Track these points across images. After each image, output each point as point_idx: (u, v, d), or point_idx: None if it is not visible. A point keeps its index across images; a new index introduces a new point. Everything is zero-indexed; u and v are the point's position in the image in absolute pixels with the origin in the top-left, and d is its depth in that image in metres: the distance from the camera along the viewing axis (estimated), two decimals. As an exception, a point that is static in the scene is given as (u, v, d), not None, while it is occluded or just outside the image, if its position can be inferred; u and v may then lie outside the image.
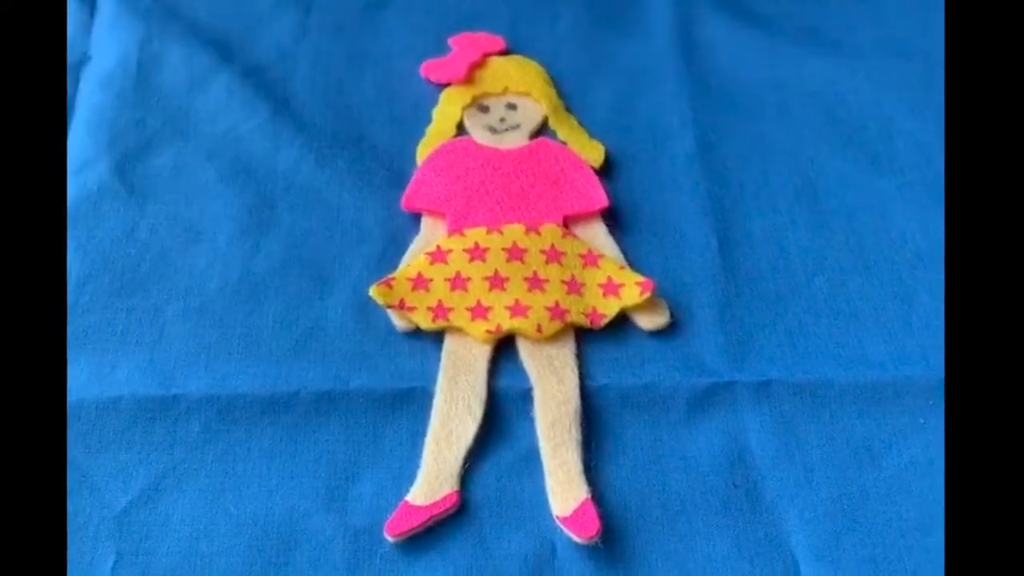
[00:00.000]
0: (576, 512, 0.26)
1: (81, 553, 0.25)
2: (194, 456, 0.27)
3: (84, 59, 0.35)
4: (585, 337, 0.29)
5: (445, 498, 0.26)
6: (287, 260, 0.31)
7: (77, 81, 0.34)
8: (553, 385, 0.28)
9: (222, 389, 0.28)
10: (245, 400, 0.28)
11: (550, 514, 0.26)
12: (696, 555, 0.26)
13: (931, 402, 0.29)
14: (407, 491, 0.26)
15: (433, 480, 0.27)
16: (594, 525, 0.26)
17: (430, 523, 0.26)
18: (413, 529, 0.26)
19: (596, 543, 0.26)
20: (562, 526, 0.26)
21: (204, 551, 0.26)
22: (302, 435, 0.27)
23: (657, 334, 0.30)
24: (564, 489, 0.26)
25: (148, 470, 0.27)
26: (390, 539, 0.26)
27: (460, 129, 0.34)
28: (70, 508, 0.26)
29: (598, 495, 0.27)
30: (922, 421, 0.28)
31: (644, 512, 0.27)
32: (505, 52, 0.36)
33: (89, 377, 0.28)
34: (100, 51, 0.35)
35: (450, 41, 0.36)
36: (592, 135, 0.34)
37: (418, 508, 0.26)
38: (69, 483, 0.26)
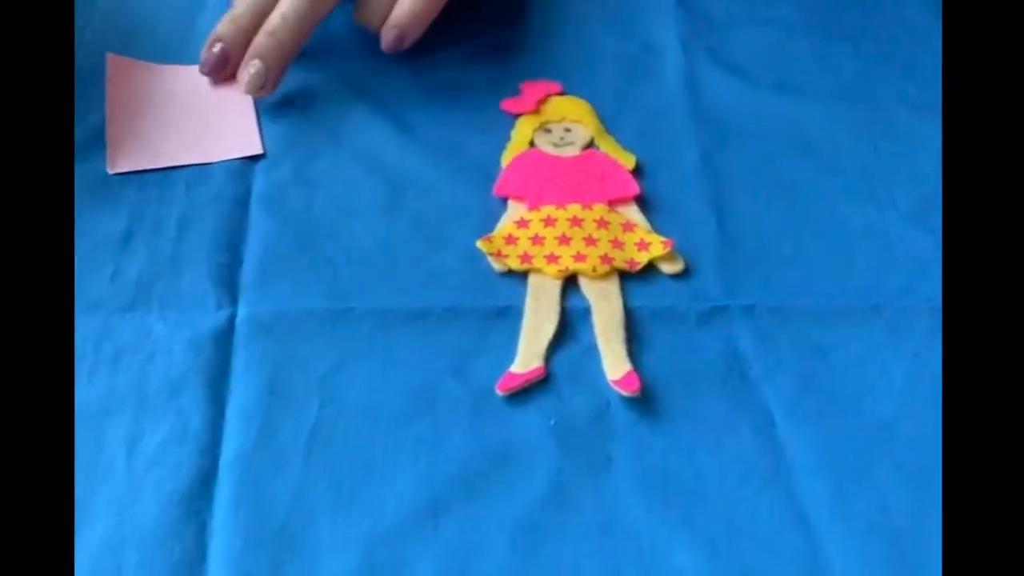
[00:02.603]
0: (624, 377, 0.39)
1: (295, 402, 0.38)
2: (364, 346, 0.39)
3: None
4: (626, 277, 0.43)
5: (536, 369, 0.39)
6: (415, 228, 0.44)
7: (260, 110, 0.48)
8: (604, 305, 0.41)
9: (379, 305, 0.40)
10: (395, 312, 0.40)
11: (606, 382, 0.39)
12: (705, 411, 0.38)
13: (863, 320, 0.41)
14: (509, 366, 0.39)
15: (527, 359, 0.39)
16: (636, 383, 0.38)
17: (526, 385, 0.38)
18: (515, 388, 0.38)
19: (637, 396, 0.38)
20: (614, 387, 0.38)
21: (377, 401, 0.38)
22: (435, 335, 0.40)
23: (675, 276, 0.43)
24: (614, 364, 0.39)
25: (334, 353, 0.39)
26: (500, 394, 0.38)
27: (531, 144, 0.48)
28: (287, 375, 0.39)
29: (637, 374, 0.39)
30: (857, 332, 0.41)
31: (669, 385, 0.39)
32: (561, 93, 0.50)
33: (291, 298, 0.41)
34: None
35: (521, 85, 0.50)
36: (626, 148, 0.48)
37: (518, 375, 0.39)
38: (283, 362, 0.39)
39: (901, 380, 0.40)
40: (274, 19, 0.47)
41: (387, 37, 0.48)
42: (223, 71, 0.48)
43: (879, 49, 0.53)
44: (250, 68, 0.47)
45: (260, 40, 0.47)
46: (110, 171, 0.44)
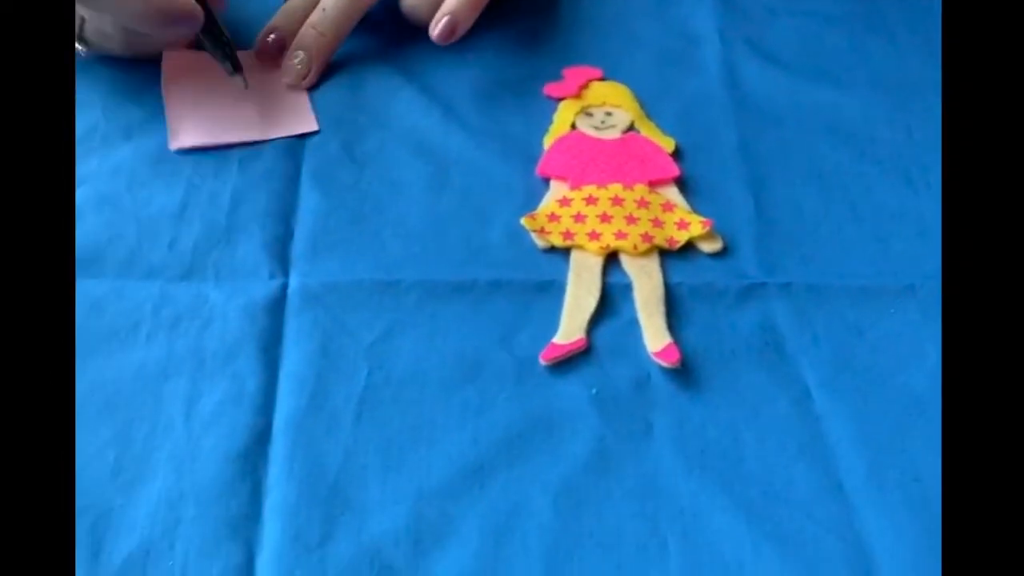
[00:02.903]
0: (664, 349, 0.40)
1: (345, 368, 0.39)
2: (411, 316, 0.41)
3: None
4: (665, 255, 0.44)
5: (578, 340, 0.40)
6: (460, 205, 0.45)
7: (310, 91, 0.50)
8: (645, 280, 0.42)
9: (426, 277, 0.42)
10: (442, 284, 0.42)
11: (647, 354, 0.40)
12: (742, 384, 0.39)
13: (898, 300, 0.42)
14: (552, 337, 0.41)
15: (569, 331, 0.40)
16: (676, 355, 0.39)
17: (568, 355, 0.40)
18: (557, 358, 0.39)
19: (677, 368, 0.39)
20: (655, 358, 0.40)
21: (425, 368, 0.39)
22: (481, 306, 0.41)
23: (714, 255, 0.44)
24: (655, 337, 0.40)
25: (383, 322, 0.41)
26: (543, 363, 0.40)
27: (573, 127, 0.49)
28: (337, 342, 0.40)
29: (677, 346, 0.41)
30: (892, 311, 0.42)
31: (708, 358, 0.40)
32: (602, 79, 0.51)
33: (340, 270, 0.42)
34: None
35: (563, 71, 0.51)
36: (665, 132, 0.49)
37: (560, 345, 0.40)
38: (333, 330, 0.40)
39: (934, 357, 0.41)
40: (316, 12, 0.50)
41: (438, 27, 0.49)
42: (277, 59, 0.50)
43: (913, 38, 0.54)
44: (293, 59, 0.49)
45: (303, 32, 0.50)
46: (172, 147, 0.46)
